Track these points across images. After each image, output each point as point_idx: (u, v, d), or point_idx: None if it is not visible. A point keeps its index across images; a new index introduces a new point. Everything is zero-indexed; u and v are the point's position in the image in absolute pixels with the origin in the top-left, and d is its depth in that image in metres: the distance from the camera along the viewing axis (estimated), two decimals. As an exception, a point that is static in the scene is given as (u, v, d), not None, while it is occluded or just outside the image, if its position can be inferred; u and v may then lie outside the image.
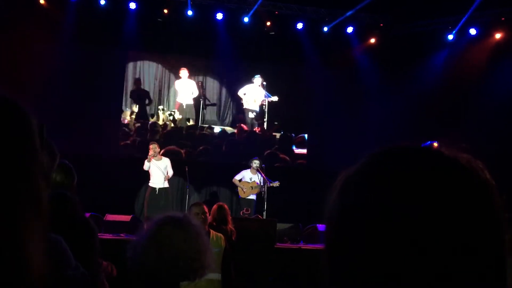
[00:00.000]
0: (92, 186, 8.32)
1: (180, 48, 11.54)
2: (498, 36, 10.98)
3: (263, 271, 7.38)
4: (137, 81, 11.72)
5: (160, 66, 11.93)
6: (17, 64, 9.35)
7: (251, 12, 11.24)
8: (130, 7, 10.88)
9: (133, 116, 11.62)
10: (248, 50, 11.63)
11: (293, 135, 12.05)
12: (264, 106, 11.74)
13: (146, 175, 9.42)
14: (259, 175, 9.66)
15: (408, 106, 10.85)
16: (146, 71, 11.89)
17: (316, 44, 11.62)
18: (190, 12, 11.16)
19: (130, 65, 11.77)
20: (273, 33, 11.61)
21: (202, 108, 11.80)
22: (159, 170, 9.27)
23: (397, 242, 0.64)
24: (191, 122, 11.71)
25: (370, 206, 0.67)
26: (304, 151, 11.98)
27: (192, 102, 11.64)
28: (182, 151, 11.20)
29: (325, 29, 11.67)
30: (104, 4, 10.81)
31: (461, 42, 11.22)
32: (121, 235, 7.72)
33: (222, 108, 12.18)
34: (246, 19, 11.38)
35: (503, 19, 10.80)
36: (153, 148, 9.24)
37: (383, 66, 11.38)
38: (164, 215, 2.11)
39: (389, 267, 0.64)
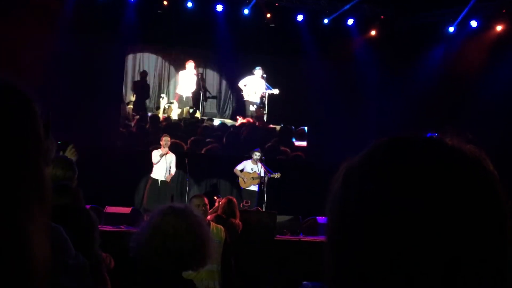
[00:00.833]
0: (92, 178, 8.32)
1: (180, 40, 11.51)
2: (499, 28, 10.94)
3: (263, 263, 7.40)
4: (143, 73, 11.71)
5: (160, 58, 11.92)
6: (14, 56, 9.32)
7: (251, 4, 11.19)
8: (130, -2, 10.84)
9: (130, 106, 11.60)
10: (248, 42, 11.59)
11: (293, 127, 12.04)
12: (264, 99, 11.73)
13: (147, 167, 9.43)
14: (260, 166, 9.68)
15: (408, 98, 10.83)
16: (146, 63, 11.89)
17: (317, 36, 11.58)
18: (190, 4, 11.11)
19: (130, 57, 11.75)
20: (273, 25, 11.56)
21: (202, 101, 11.79)
22: (164, 163, 9.30)
23: (399, 236, 0.63)
24: (197, 114, 11.69)
25: (372, 199, 0.66)
26: (304, 143, 11.99)
27: (190, 95, 11.63)
28: (183, 144, 11.20)
29: (326, 21, 11.63)
30: (103, -4, 10.77)
31: (462, 35, 11.18)
32: (121, 227, 7.74)
33: (222, 100, 12.18)
34: (246, 11, 11.33)
35: (504, 11, 10.75)
36: (165, 140, 9.28)
37: (384, 58, 11.35)
38: (167, 206, 2.12)
39: (390, 263, 0.63)
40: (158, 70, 11.90)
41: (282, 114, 11.87)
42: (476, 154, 0.69)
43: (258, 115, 11.81)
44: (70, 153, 3.31)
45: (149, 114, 11.56)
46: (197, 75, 11.78)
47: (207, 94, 11.97)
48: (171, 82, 11.80)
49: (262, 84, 11.59)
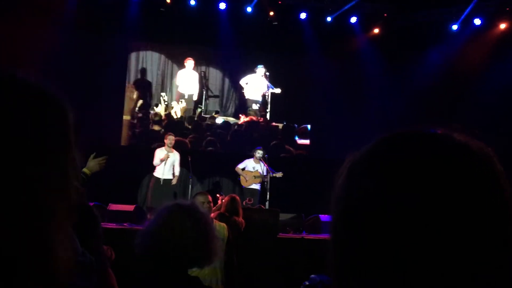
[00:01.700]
0: (95, 176, 8.32)
1: (182, 38, 11.49)
2: (502, 26, 10.91)
3: (266, 261, 7.40)
4: (142, 71, 11.73)
5: (163, 56, 11.92)
6: (17, 54, 9.32)
7: (254, 1, 11.18)
8: (133, -4, 10.85)
9: (137, 107, 11.62)
10: (251, 40, 11.57)
11: (296, 125, 12.03)
12: (266, 97, 11.73)
13: (150, 165, 9.44)
14: (262, 165, 9.68)
15: (411, 97, 10.82)
16: (149, 61, 11.88)
17: (320, 34, 11.56)
18: (193, 2, 11.11)
19: (133, 55, 11.75)
20: (276, 23, 11.55)
21: (205, 99, 11.79)
22: (168, 161, 9.30)
23: (400, 234, 0.62)
24: (197, 111, 11.70)
25: (376, 196, 0.65)
26: (307, 141, 11.98)
27: (193, 93, 11.63)
28: (187, 141, 11.21)
29: (329, 19, 11.61)
30: (106, -7, 10.77)
31: (465, 33, 11.15)
32: (125, 224, 7.75)
33: (224, 98, 12.18)
34: (249, 9, 11.33)
35: (507, 9, 10.72)
36: (170, 139, 9.28)
37: (387, 56, 11.33)
38: (173, 203, 2.12)
39: (394, 262, 0.62)
40: (161, 68, 11.90)
41: (284, 112, 11.86)
42: (483, 150, 0.68)
43: (260, 113, 11.81)
44: (94, 163, 3.30)
45: (152, 112, 11.56)
46: (200, 74, 11.78)
47: (209, 93, 11.97)
48: (174, 81, 11.81)
49: (264, 82, 11.59)
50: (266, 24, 11.53)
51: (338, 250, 0.70)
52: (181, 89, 11.60)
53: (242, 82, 11.71)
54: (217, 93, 12.18)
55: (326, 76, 11.44)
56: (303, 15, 11.54)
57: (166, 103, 11.60)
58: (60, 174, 0.70)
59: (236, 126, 11.71)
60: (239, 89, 11.92)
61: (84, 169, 3.40)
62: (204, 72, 11.99)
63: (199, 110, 11.62)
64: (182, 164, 9.73)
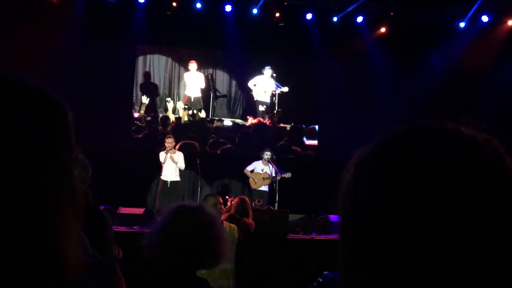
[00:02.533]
0: (105, 179, 8.37)
1: (189, 41, 11.52)
2: (511, 23, 10.83)
3: (276, 262, 7.40)
4: (146, 74, 11.78)
5: (170, 59, 11.96)
6: (25, 58, 9.39)
7: (260, 3, 11.19)
8: (139, 0, 10.89)
9: (143, 110, 11.67)
10: (257, 42, 11.58)
11: (304, 126, 12.02)
12: (274, 98, 11.73)
13: (159, 168, 9.48)
14: (271, 166, 9.68)
15: (419, 96, 10.76)
16: (156, 65, 11.93)
17: (326, 34, 11.54)
18: (198, 5, 11.14)
19: (140, 59, 11.81)
20: (282, 24, 11.54)
21: (212, 101, 11.82)
22: (171, 164, 9.33)
23: (411, 230, 0.61)
24: (202, 115, 11.72)
25: (383, 193, 0.64)
26: (315, 142, 11.96)
27: (200, 95, 11.65)
28: (196, 143, 11.24)
29: (335, 19, 11.59)
30: (113, -2, 10.83)
31: (473, 30, 11.08)
32: (135, 227, 7.79)
33: (232, 100, 12.19)
34: (255, 11, 11.33)
35: (515, 5, 10.65)
36: (169, 142, 9.31)
37: (394, 55, 11.28)
38: (179, 205, 2.13)
39: (405, 259, 0.62)
40: (168, 72, 11.95)
41: (292, 113, 11.85)
42: (491, 143, 0.67)
43: (269, 115, 11.82)
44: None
45: (160, 115, 11.61)
46: (206, 76, 11.81)
47: (217, 93, 11.99)
48: (181, 84, 11.84)
49: (272, 83, 11.59)
50: (272, 25, 11.53)
51: (345, 248, 0.70)
52: (188, 92, 11.64)
53: (250, 84, 11.72)
54: (224, 93, 12.21)
55: (333, 76, 11.42)
56: (309, 16, 11.52)
57: (173, 106, 11.64)
58: (63, 174, 0.70)
59: (244, 128, 11.71)
60: (246, 91, 11.92)
61: None
62: (211, 75, 12.01)
63: (201, 114, 11.65)
64: (191, 166, 9.74)
